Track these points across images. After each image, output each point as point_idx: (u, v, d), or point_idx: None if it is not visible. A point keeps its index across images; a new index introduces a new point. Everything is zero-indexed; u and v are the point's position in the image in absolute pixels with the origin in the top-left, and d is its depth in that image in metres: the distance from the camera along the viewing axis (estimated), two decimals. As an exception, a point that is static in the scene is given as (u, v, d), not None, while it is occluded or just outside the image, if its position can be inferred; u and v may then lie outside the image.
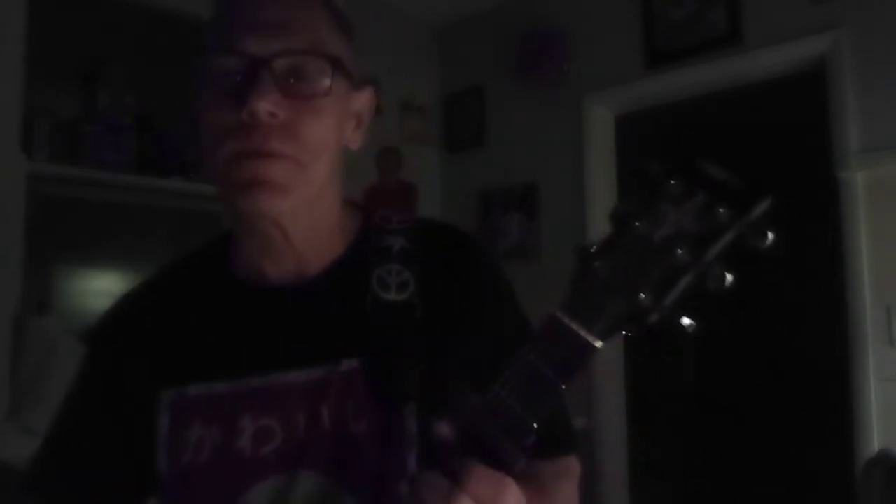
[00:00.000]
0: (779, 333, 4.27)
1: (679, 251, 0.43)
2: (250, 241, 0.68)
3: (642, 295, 0.44)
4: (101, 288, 2.24)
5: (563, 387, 0.46)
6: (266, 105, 0.59)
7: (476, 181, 2.94)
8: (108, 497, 0.68)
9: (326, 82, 0.64)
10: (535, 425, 0.46)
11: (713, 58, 2.27)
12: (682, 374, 4.10)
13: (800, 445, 3.78)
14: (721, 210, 0.43)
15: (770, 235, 0.45)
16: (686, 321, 0.47)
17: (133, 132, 2.11)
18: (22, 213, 1.85)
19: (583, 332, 0.45)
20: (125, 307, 0.74)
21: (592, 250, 0.45)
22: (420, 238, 0.71)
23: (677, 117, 3.23)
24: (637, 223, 0.44)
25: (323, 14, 0.67)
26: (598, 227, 2.59)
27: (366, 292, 0.67)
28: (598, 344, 0.46)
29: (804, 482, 3.52)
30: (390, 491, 0.61)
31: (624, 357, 2.66)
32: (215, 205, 2.48)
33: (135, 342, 0.70)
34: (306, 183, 0.63)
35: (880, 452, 1.81)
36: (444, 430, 0.47)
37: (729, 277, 0.46)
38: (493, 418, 0.46)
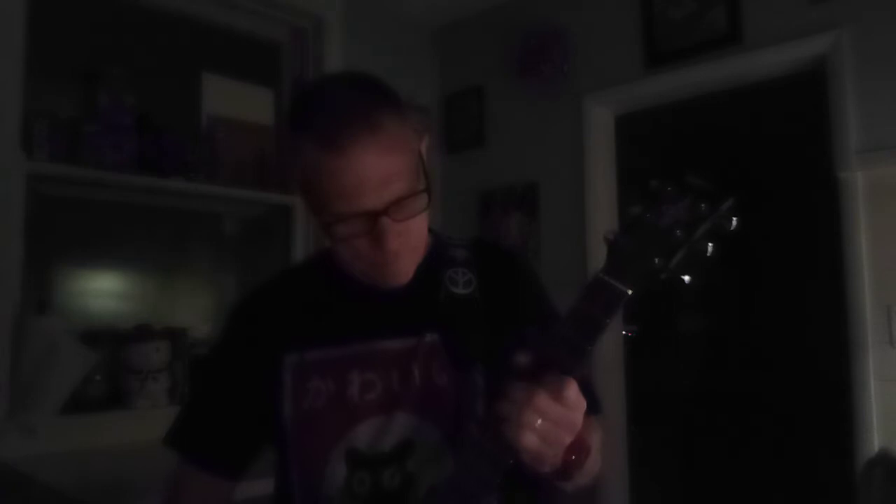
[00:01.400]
0: (779, 334, 4.28)
1: (677, 232, 0.65)
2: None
3: (656, 260, 0.66)
4: (101, 288, 2.24)
5: (608, 321, 0.68)
6: (393, 242, 0.81)
7: (476, 181, 2.94)
8: (245, 439, 0.93)
9: (424, 201, 0.83)
10: (590, 348, 0.69)
11: (713, 58, 2.27)
12: (682, 374, 4.10)
13: (800, 445, 3.79)
14: (702, 206, 0.65)
15: (734, 221, 0.66)
16: (686, 278, 0.68)
17: (133, 132, 2.11)
18: (22, 213, 1.85)
19: (618, 284, 0.67)
20: (258, 294, 0.98)
21: (616, 236, 0.67)
22: (478, 250, 0.99)
23: (677, 117, 3.23)
24: (647, 216, 0.66)
25: (402, 141, 0.82)
26: (599, 226, 2.59)
27: (440, 287, 0.92)
28: (630, 291, 0.67)
29: (804, 482, 3.52)
30: (463, 425, 0.85)
31: (624, 357, 2.66)
32: (215, 205, 2.48)
33: (266, 320, 0.94)
34: (419, 255, 0.90)
35: (880, 452, 1.81)
36: (521, 357, 0.70)
37: (710, 247, 0.66)
38: (558, 344, 0.69)
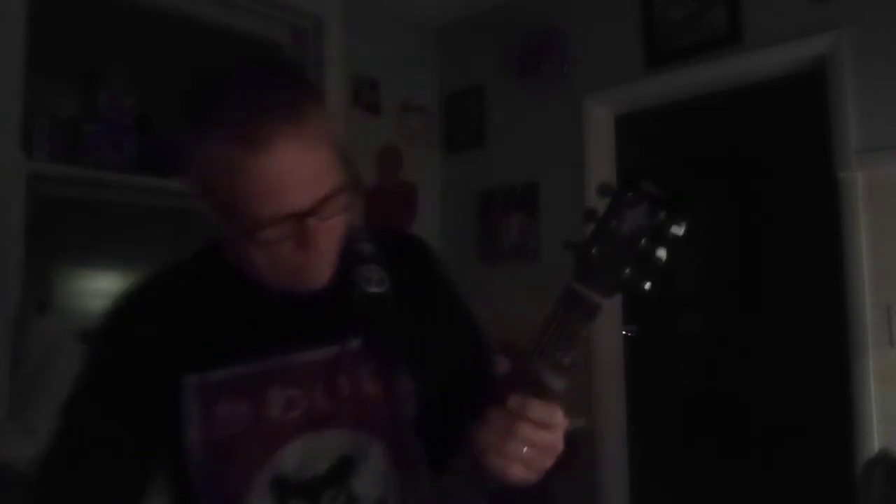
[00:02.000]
0: (779, 334, 4.28)
1: (642, 241, 0.65)
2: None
3: (626, 270, 0.66)
4: (101, 288, 2.24)
5: (585, 333, 0.66)
6: (322, 244, 0.73)
7: (476, 181, 2.94)
8: (129, 481, 0.79)
9: (349, 196, 0.74)
10: (568, 362, 0.66)
11: (713, 58, 2.27)
12: (682, 375, 4.10)
13: (800, 446, 3.79)
14: (660, 213, 0.64)
15: (684, 226, 0.64)
16: (648, 285, 0.66)
17: (133, 132, 2.11)
18: (22, 213, 1.85)
19: (593, 295, 0.66)
20: (134, 304, 0.83)
21: (582, 242, 0.68)
22: (383, 242, 0.90)
23: (677, 117, 3.23)
24: (613, 222, 0.66)
25: (325, 133, 0.74)
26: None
27: (353, 287, 0.84)
28: (602, 302, 0.66)
29: (804, 482, 3.52)
30: (400, 433, 0.81)
31: (624, 357, 2.66)
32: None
33: (150, 335, 0.79)
34: (337, 254, 0.79)
35: (880, 452, 1.81)
36: (502, 365, 0.71)
37: (663, 253, 0.65)
38: (538, 358, 0.66)
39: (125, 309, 0.82)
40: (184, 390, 0.77)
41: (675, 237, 0.63)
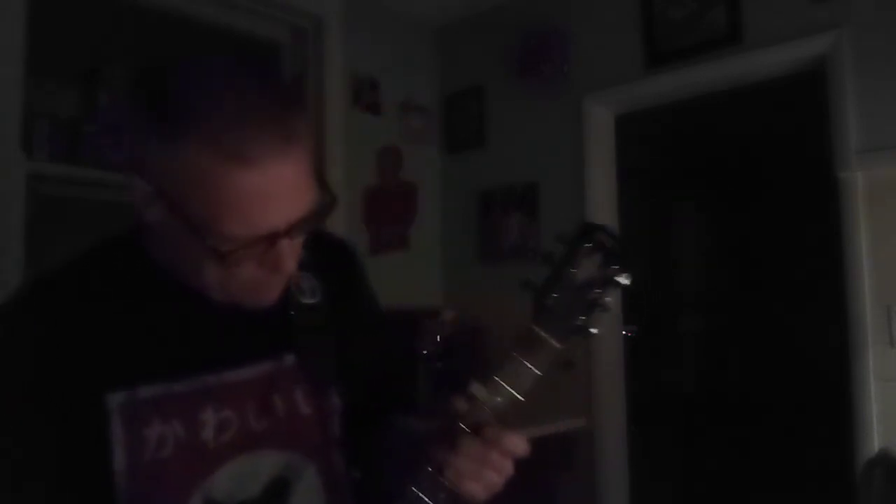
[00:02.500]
0: (779, 334, 4.28)
1: (595, 290, 0.70)
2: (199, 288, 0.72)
3: (580, 318, 0.70)
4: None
5: (540, 374, 0.71)
6: (290, 265, 0.69)
7: (476, 181, 2.94)
8: None
9: (319, 219, 0.70)
10: (522, 398, 0.71)
11: (713, 58, 2.27)
12: (682, 374, 4.10)
13: (800, 445, 3.79)
14: (611, 265, 0.70)
15: (629, 277, 0.70)
16: (594, 331, 0.71)
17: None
18: (22, 213, 1.85)
19: (551, 339, 0.70)
20: (44, 308, 0.71)
21: (541, 287, 0.71)
22: (313, 249, 0.79)
23: (677, 117, 3.23)
24: (570, 270, 0.70)
25: (305, 146, 0.67)
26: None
27: (288, 297, 0.78)
28: (559, 346, 0.70)
29: (804, 482, 3.52)
30: (331, 452, 0.80)
31: (624, 357, 2.66)
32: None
33: (63, 342, 0.68)
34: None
35: (880, 452, 1.81)
36: (459, 403, 0.70)
37: (609, 301, 0.71)
38: (498, 396, 0.70)
39: (34, 314, 0.70)
40: (107, 410, 0.68)
41: (622, 286, 0.70)
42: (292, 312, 0.79)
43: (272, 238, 0.65)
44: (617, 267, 0.69)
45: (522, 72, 2.79)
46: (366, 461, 0.83)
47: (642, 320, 3.19)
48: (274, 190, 0.63)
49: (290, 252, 0.68)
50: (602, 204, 2.61)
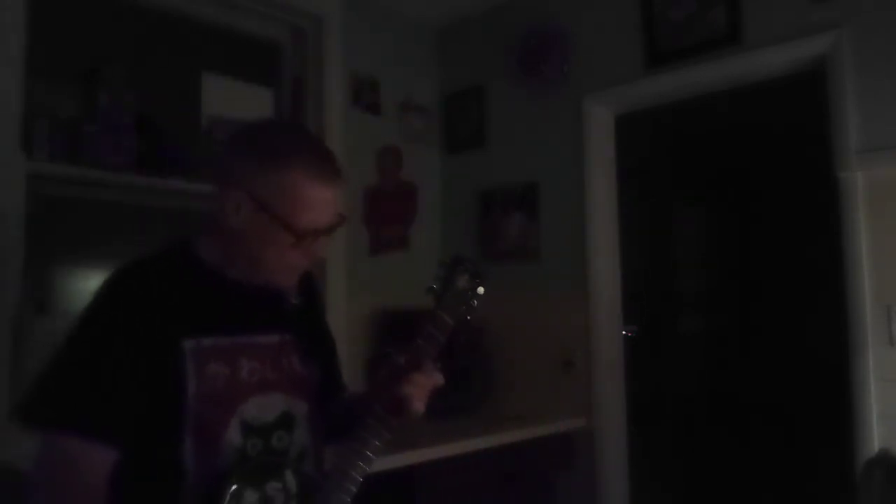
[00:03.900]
0: (779, 334, 4.28)
1: (468, 293, 1.17)
2: (247, 273, 1.11)
3: (463, 308, 1.17)
4: (101, 288, 2.24)
5: (443, 340, 1.13)
6: (316, 255, 1.12)
7: (476, 181, 2.94)
8: (135, 414, 0.99)
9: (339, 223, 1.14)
10: (436, 353, 1.12)
11: (713, 58, 2.27)
12: (682, 375, 4.10)
13: (800, 445, 3.79)
14: (474, 278, 1.19)
15: (483, 288, 1.19)
16: (470, 317, 1.18)
17: (133, 132, 2.11)
18: (22, 213, 1.85)
19: (449, 319, 1.14)
20: (142, 277, 1.07)
21: (440, 291, 1.16)
22: None
23: (677, 117, 3.23)
24: (454, 279, 1.17)
25: (342, 185, 1.13)
26: (599, 226, 2.59)
27: (282, 296, 1.17)
28: (452, 322, 1.14)
29: (804, 482, 3.52)
30: (314, 401, 1.18)
31: (624, 357, 2.66)
32: (215, 205, 2.48)
33: (160, 304, 1.03)
34: None
35: (880, 452, 1.81)
36: (401, 358, 1.10)
37: (475, 302, 1.19)
38: (421, 352, 1.11)
39: (136, 279, 1.06)
40: (184, 351, 1.02)
41: (481, 293, 1.17)
42: (286, 307, 1.18)
43: (322, 232, 1.07)
44: (478, 280, 1.18)
45: (522, 72, 2.79)
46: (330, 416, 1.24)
47: (642, 320, 3.19)
48: (332, 201, 1.07)
49: (327, 246, 1.12)
50: (602, 204, 2.61)
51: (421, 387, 1.08)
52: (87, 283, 2.23)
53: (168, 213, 2.36)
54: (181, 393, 1.00)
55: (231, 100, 2.40)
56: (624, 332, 2.69)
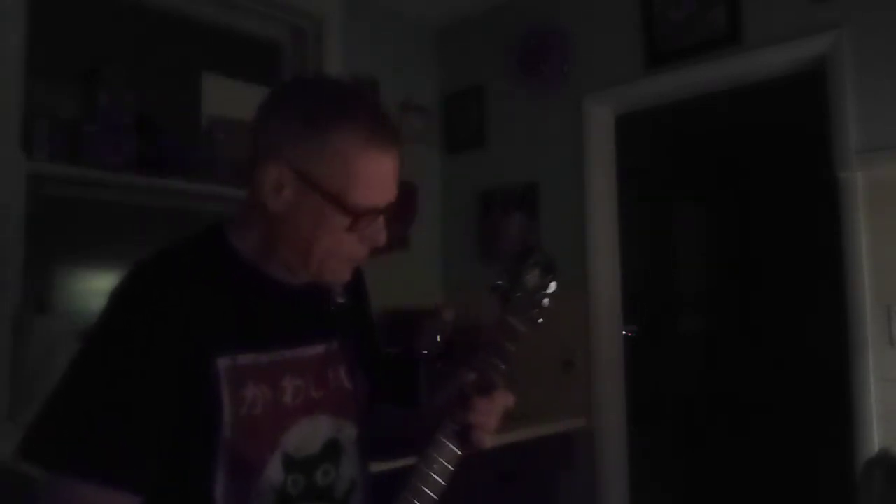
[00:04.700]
0: (779, 334, 4.28)
1: (540, 292, 0.99)
2: (292, 266, 0.92)
3: (534, 311, 0.99)
4: (101, 288, 2.24)
5: (514, 350, 0.95)
6: (385, 238, 0.92)
7: (476, 181, 2.94)
8: (161, 449, 0.82)
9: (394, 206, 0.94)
10: (504, 367, 0.94)
11: (713, 58, 2.27)
12: (682, 374, 4.10)
13: (800, 445, 3.79)
14: (547, 274, 1.00)
15: (556, 285, 1.00)
16: (541, 321, 0.99)
17: (133, 132, 2.11)
18: (22, 213, 1.85)
19: (518, 325, 0.97)
20: (165, 282, 0.85)
21: (508, 289, 0.99)
22: None
23: (677, 117, 3.23)
24: (523, 277, 0.99)
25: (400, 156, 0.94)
26: (599, 226, 2.59)
27: (329, 295, 1.01)
28: (524, 330, 0.97)
29: (804, 482, 3.52)
30: (364, 421, 1.00)
31: (624, 357, 2.66)
32: (215, 205, 2.48)
33: (184, 317, 0.83)
34: None
35: (880, 452, 1.81)
36: (468, 375, 0.93)
37: (548, 301, 1.00)
38: (488, 367, 0.94)
39: (158, 285, 0.84)
40: (217, 372, 0.83)
41: (554, 291, 0.99)
42: (332, 308, 1.00)
43: (381, 211, 0.89)
44: (551, 276, 0.99)
45: (522, 72, 2.79)
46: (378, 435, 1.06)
47: (642, 320, 3.19)
48: (390, 175, 0.89)
49: (385, 230, 0.92)
50: (602, 204, 2.61)
51: (487, 415, 0.90)
52: (87, 283, 2.23)
53: (168, 213, 2.36)
54: (214, 423, 0.82)
55: (231, 100, 2.40)
56: (624, 332, 2.69)
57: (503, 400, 0.93)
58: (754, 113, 3.69)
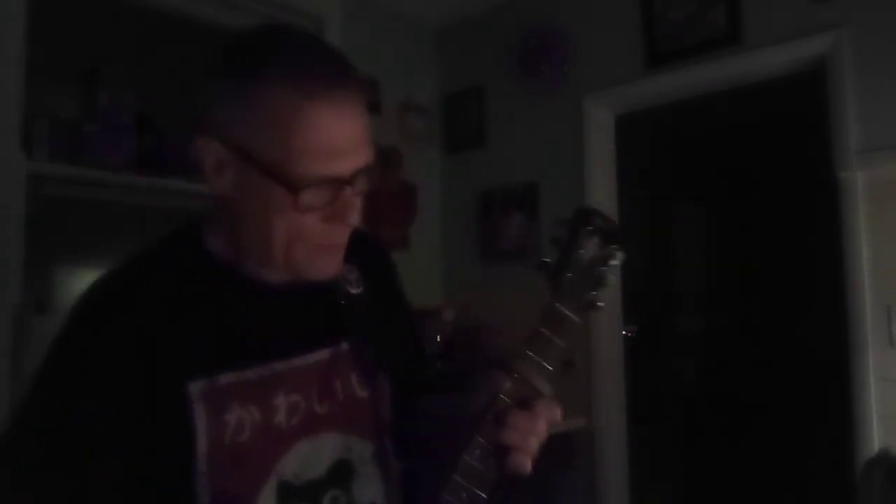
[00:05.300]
0: (779, 334, 4.28)
1: (599, 268, 0.76)
2: (263, 261, 0.76)
3: (592, 293, 0.76)
4: (101, 288, 2.24)
5: (562, 344, 0.75)
6: (357, 217, 0.72)
7: (476, 181, 2.94)
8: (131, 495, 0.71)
9: (374, 175, 0.75)
10: (552, 368, 0.74)
11: (713, 58, 2.27)
12: (682, 374, 4.10)
13: (800, 445, 3.79)
14: (608, 245, 0.76)
15: (622, 256, 0.77)
16: (602, 304, 0.77)
17: (133, 132, 2.11)
18: (22, 213, 1.85)
19: (570, 313, 0.76)
20: (124, 296, 0.74)
21: (555, 267, 0.77)
22: (351, 242, 0.81)
23: (677, 117, 3.23)
24: (575, 251, 0.76)
25: (365, 111, 0.73)
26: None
27: (336, 287, 0.84)
28: (577, 319, 0.76)
29: (804, 482, 3.52)
30: (383, 435, 0.84)
31: (624, 357, 2.66)
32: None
33: (144, 338, 0.71)
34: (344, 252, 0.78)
35: (880, 452, 1.81)
36: (502, 381, 0.74)
37: (612, 277, 0.77)
38: (528, 365, 0.74)
39: (109, 306, 0.73)
40: (189, 398, 0.71)
41: (618, 265, 0.77)
42: (342, 302, 0.84)
43: (338, 183, 0.69)
44: (615, 246, 0.76)
45: (522, 72, 2.79)
46: (408, 445, 0.88)
47: (642, 320, 3.19)
48: (343, 135, 0.68)
49: (351, 209, 0.72)
50: (602, 204, 2.61)
51: (526, 433, 0.72)
52: (87, 284, 2.23)
53: (168, 213, 2.37)
54: (186, 456, 0.70)
55: (231, 100, 2.40)
56: (624, 332, 2.69)
57: (547, 413, 0.74)
58: (754, 113, 3.69)
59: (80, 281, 2.20)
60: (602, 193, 2.62)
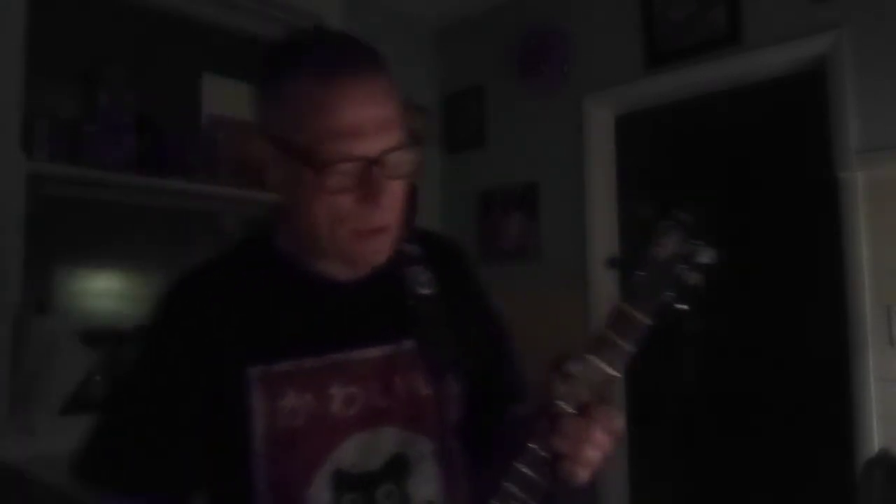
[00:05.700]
0: (779, 333, 4.27)
1: (678, 266, 0.70)
2: (318, 252, 0.81)
3: (668, 294, 0.70)
4: (101, 288, 2.24)
5: (633, 351, 0.71)
6: (384, 199, 0.74)
7: (476, 181, 2.94)
8: (196, 468, 0.80)
9: (412, 163, 0.77)
10: (617, 375, 0.71)
11: (713, 58, 2.27)
12: (682, 374, 4.10)
13: (800, 445, 3.78)
14: (691, 240, 0.71)
15: (712, 254, 0.71)
16: (684, 307, 0.71)
17: (133, 132, 2.11)
18: (22, 213, 1.85)
19: (641, 316, 0.70)
20: (196, 290, 0.82)
21: (627, 262, 0.72)
22: (427, 244, 0.92)
23: (677, 117, 3.23)
24: (652, 249, 0.70)
25: (394, 96, 0.79)
26: (599, 226, 2.59)
27: (403, 287, 0.86)
28: (649, 322, 0.70)
29: (804, 482, 3.52)
30: (447, 435, 0.85)
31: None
32: (215, 204, 2.48)
33: (217, 323, 0.79)
34: (397, 237, 0.81)
35: (880, 452, 1.81)
36: (558, 384, 0.72)
37: (697, 278, 0.71)
38: (594, 375, 0.71)
39: (188, 293, 0.82)
40: (248, 381, 0.77)
41: (706, 264, 0.71)
42: (410, 302, 0.86)
43: (364, 163, 0.72)
44: (699, 242, 0.71)
45: (522, 72, 2.79)
46: (480, 448, 0.88)
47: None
48: (363, 112, 0.72)
49: (386, 189, 0.74)
50: (602, 204, 2.61)
51: (582, 442, 0.70)
52: (87, 283, 2.23)
53: (168, 213, 2.37)
54: (245, 435, 0.76)
55: (231, 100, 2.40)
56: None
57: (607, 423, 0.71)
58: (754, 113, 3.69)
59: (80, 281, 2.21)
60: (602, 193, 2.62)
